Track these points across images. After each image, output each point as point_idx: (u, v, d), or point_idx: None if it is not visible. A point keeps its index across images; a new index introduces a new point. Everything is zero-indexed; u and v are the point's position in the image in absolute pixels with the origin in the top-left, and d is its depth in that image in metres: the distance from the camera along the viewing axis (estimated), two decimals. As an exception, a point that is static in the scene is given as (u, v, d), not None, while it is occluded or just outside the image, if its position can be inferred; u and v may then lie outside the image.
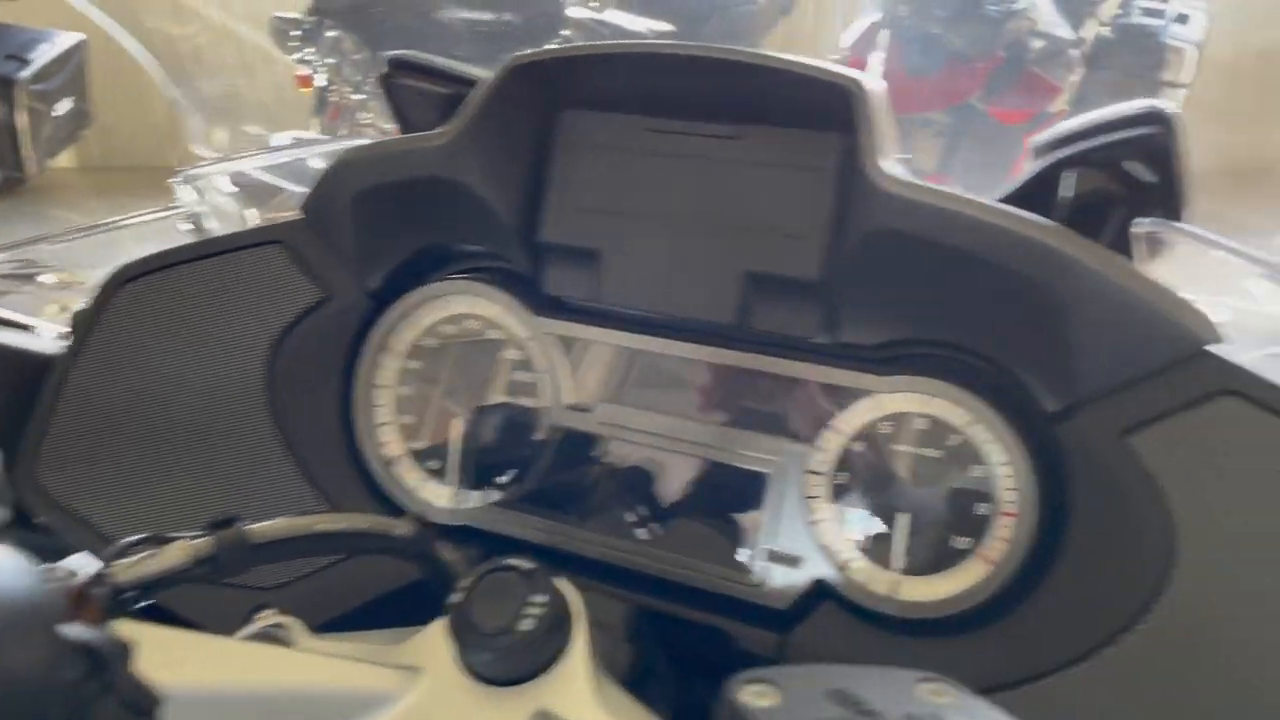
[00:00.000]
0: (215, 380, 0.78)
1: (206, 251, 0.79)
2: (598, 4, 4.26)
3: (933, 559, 0.63)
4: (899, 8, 3.57)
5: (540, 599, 0.54)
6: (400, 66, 0.82)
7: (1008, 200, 0.72)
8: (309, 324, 0.78)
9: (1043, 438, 0.61)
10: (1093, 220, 0.67)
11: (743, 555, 0.67)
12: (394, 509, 0.77)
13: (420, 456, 0.77)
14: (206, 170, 0.94)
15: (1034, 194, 0.70)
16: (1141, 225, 0.61)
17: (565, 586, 0.56)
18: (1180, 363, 0.56)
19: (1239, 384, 0.54)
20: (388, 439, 0.78)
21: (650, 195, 0.69)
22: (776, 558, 0.66)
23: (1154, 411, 0.56)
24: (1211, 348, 0.55)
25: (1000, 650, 0.59)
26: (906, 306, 0.64)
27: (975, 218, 0.57)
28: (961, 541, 0.62)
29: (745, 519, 0.68)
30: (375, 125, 4.06)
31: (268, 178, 0.95)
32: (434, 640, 0.57)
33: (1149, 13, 3.86)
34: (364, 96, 3.80)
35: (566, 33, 4.05)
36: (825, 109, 0.62)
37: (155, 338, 0.78)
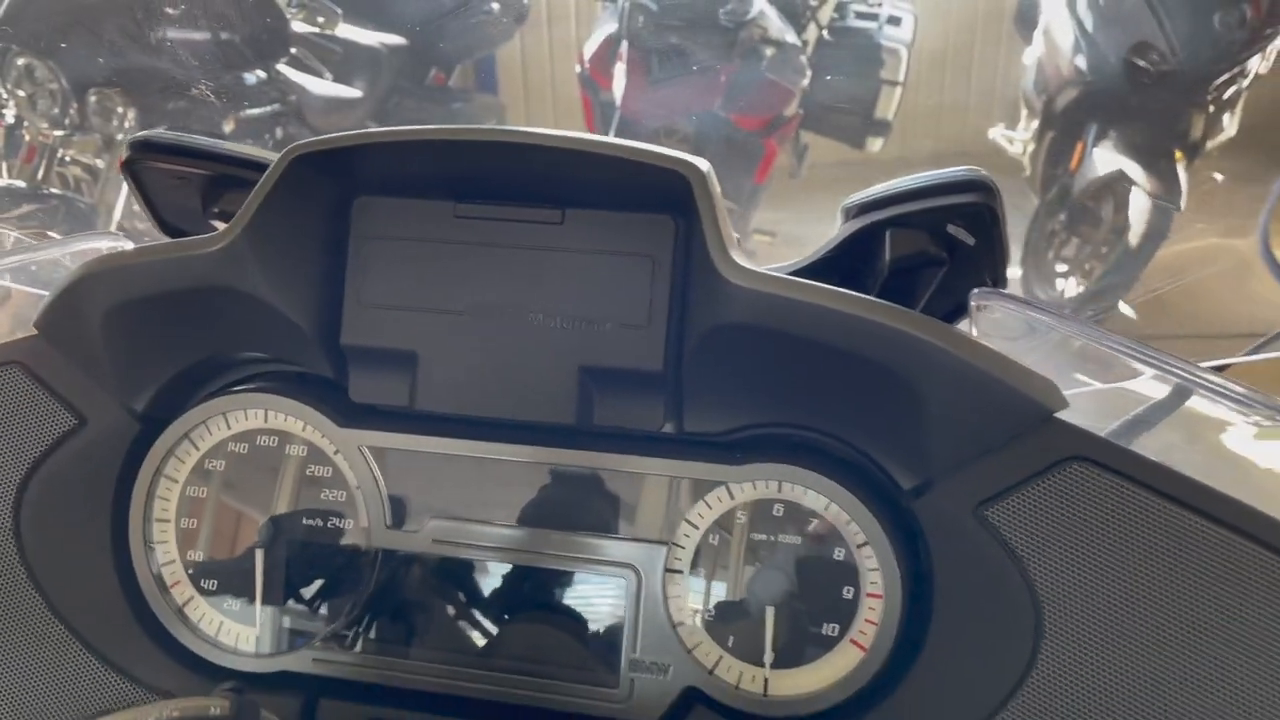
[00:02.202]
0: None
1: None
2: (325, 20, 4.05)
3: (802, 649, 0.61)
4: (636, 19, 3.61)
5: None
6: (145, 149, 0.71)
7: (820, 262, 0.71)
8: (63, 455, 0.67)
9: (901, 516, 0.60)
10: (908, 283, 0.67)
11: (604, 669, 0.63)
12: (191, 663, 0.66)
13: (217, 599, 0.67)
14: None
15: (842, 256, 0.70)
16: (978, 295, 0.61)
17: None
18: (1028, 432, 0.56)
19: (1086, 448, 0.55)
20: (175, 581, 0.67)
21: (466, 288, 0.63)
22: (641, 667, 0.62)
23: (1006, 483, 0.57)
24: (1059, 414, 0.56)
25: None
26: (755, 394, 0.62)
27: (824, 307, 0.55)
28: (830, 628, 0.61)
29: (603, 629, 0.63)
30: (78, 162, 3.67)
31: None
32: None
33: (863, 16, 4.11)
34: (64, 133, 3.41)
35: (295, 50, 3.82)
36: (657, 193, 0.58)
37: None
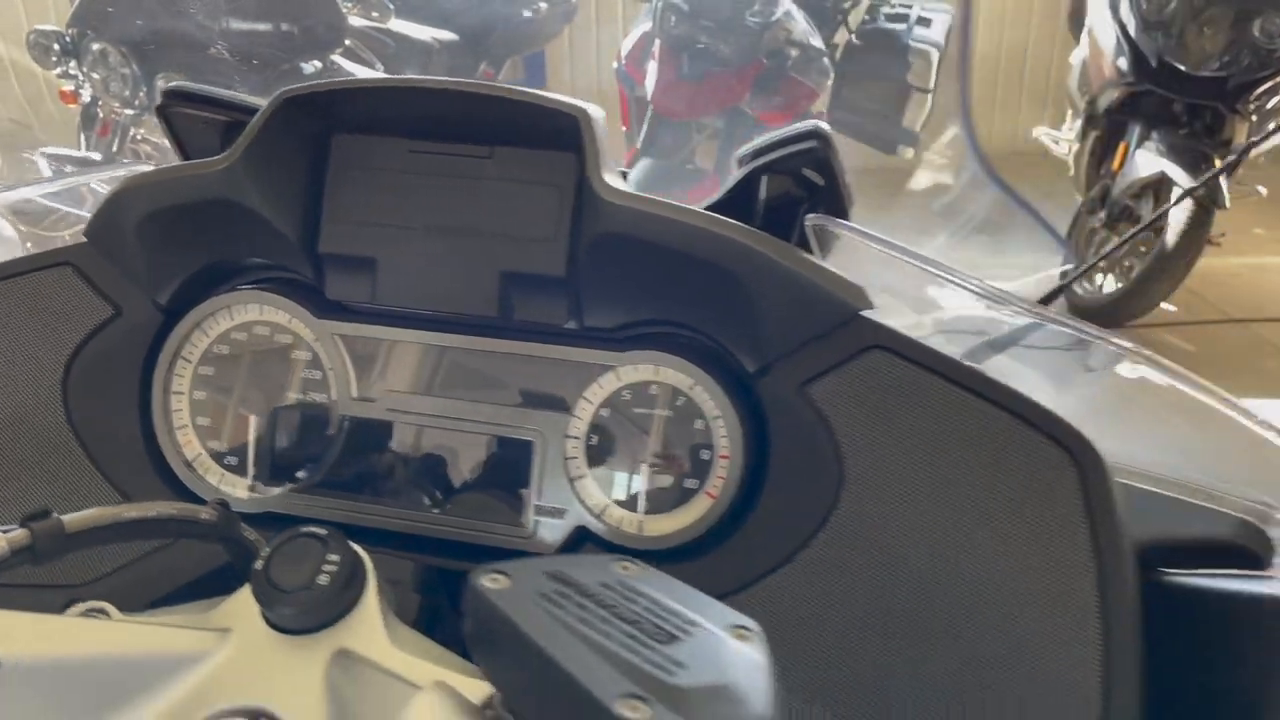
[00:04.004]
0: (12, 399, 0.82)
1: None
2: (379, 14, 4.27)
3: (669, 499, 0.76)
4: (669, 19, 3.78)
5: (335, 557, 0.63)
6: (176, 96, 0.89)
7: (719, 203, 0.86)
8: (103, 339, 0.84)
9: (747, 393, 0.76)
10: (783, 217, 0.83)
11: (515, 512, 0.79)
12: (196, 503, 0.83)
13: (219, 455, 0.84)
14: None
15: (738, 196, 0.85)
16: (811, 219, 0.77)
17: (356, 548, 0.66)
18: (841, 326, 0.71)
19: (885, 340, 0.70)
20: (187, 441, 0.85)
21: (417, 208, 0.79)
22: (544, 511, 0.78)
23: (822, 366, 0.72)
24: (865, 313, 0.71)
25: (727, 564, 0.73)
26: (635, 294, 0.77)
27: (676, 220, 0.71)
28: (690, 483, 0.76)
29: (516, 481, 0.79)
30: (148, 141, 3.92)
31: (50, 203, 0.99)
32: (241, 603, 0.65)
33: (892, 18, 4.23)
34: (135, 112, 3.67)
35: (350, 42, 4.04)
36: (560, 133, 0.74)
37: None
